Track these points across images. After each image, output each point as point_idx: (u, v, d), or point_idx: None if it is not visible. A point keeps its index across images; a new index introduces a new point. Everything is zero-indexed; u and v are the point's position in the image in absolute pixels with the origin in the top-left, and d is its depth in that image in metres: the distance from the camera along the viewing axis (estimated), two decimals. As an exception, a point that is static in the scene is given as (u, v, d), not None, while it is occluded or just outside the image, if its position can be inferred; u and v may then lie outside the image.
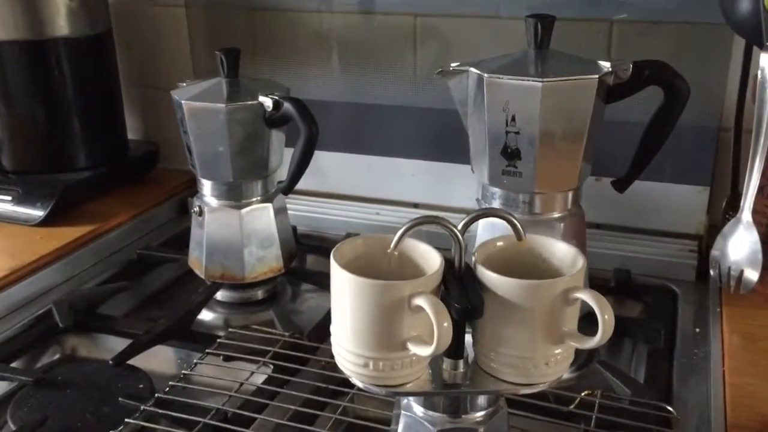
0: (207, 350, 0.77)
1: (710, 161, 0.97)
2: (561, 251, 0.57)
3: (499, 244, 0.59)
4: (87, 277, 0.98)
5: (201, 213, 0.92)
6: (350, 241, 0.57)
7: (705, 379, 0.75)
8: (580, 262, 0.55)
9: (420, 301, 0.51)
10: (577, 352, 0.80)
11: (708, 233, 0.98)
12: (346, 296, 0.53)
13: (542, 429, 0.67)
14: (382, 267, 0.57)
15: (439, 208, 1.08)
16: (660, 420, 0.68)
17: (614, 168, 0.85)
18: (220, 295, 0.96)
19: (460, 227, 0.55)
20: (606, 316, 0.51)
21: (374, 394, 0.55)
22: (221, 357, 0.78)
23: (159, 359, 0.84)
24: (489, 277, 0.53)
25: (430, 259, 0.56)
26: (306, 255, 1.08)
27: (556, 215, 0.81)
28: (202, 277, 0.93)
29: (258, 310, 0.96)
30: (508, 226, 0.57)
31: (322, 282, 1.02)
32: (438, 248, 0.56)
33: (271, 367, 0.76)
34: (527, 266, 0.58)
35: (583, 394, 0.70)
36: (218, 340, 0.79)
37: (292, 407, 0.69)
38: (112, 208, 1.09)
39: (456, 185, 1.07)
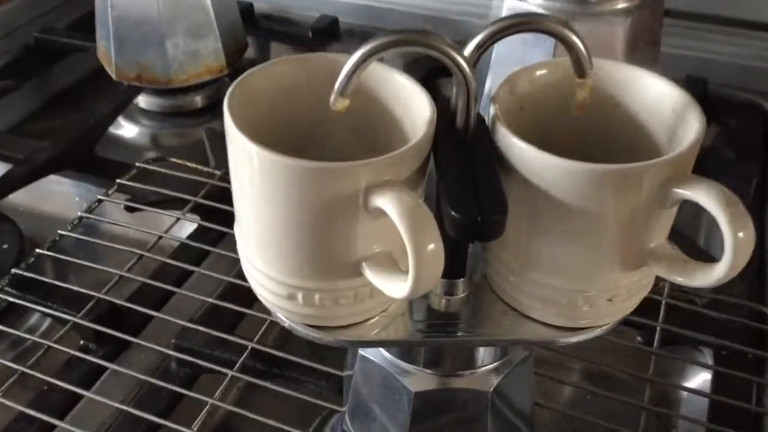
0: (99, 197, 0.54)
1: None
2: (652, 94, 0.32)
3: (539, 73, 0.32)
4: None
5: (103, -15, 0.64)
6: (265, 69, 0.31)
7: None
8: (695, 124, 0.29)
9: (382, 202, 0.27)
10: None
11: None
12: (253, 185, 0.28)
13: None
14: (324, 122, 0.31)
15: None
16: (752, 333, 0.46)
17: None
18: (143, 101, 0.71)
19: (468, 52, 0.29)
20: (741, 234, 0.27)
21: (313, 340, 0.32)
22: (122, 206, 0.55)
23: (51, 196, 0.61)
24: (520, 151, 0.28)
25: (413, 112, 0.30)
26: (268, 43, 0.81)
27: (621, 5, 0.54)
28: (113, 76, 0.68)
29: (197, 122, 0.71)
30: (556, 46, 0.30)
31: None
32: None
33: (192, 226, 0.53)
34: (589, 120, 0.33)
35: (641, 286, 0.47)
36: (117, 181, 0.55)
37: (209, 300, 0.46)
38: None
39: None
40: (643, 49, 0.55)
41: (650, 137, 0.32)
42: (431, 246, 0.26)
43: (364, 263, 0.29)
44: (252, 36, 0.77)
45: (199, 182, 0.55)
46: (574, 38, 0.29)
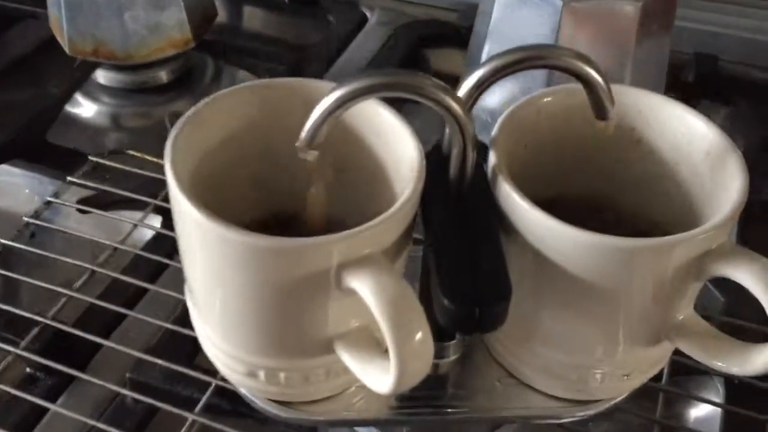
0: (48, 198, 0.48)
1: None
2: (682, 131, 0.27)
3: (546, 102, 0.27)
4: None
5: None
6: (218, 101, 0.26)
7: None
8: (736, 180, 0.24)
9: (357, 285, 0.22)
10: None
11: None
12: (204, 258, 0.23)
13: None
14: (293, 159, 0.26)
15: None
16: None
17: None
18: (103, 76, 0.64)
19: (464, 92, 0.24)
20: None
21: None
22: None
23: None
24: (527, 214, 0.23)
25: (397, 154, 0.25)
26: (240, 9, 0.74)
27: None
28: (66, 50, 0.61)
29: (162, 100, 0.65)
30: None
31: (265, 51, 0.71)
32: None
33: (152, 232, 0.48)
34: (604, 157, 0.28)
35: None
36: (68, 179, 0.49)
37: (165, 325, 0.41)
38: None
39: None
40: (656, 35, 0.49)
41: (678, 182, 0.27)
42: (418, 336, 0.21)
43: (337, 342, 0.25)
44: (222, 0, 0.71)
45: (160, 180, 0.49)
46: (596, 76, 0.23)
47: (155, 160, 0.51)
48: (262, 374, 0.26)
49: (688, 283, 0.24)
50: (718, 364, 0.24)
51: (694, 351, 0.25)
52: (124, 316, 0.42)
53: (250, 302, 0.23)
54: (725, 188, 0.24)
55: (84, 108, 0.64)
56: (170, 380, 0.39)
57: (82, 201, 0.50)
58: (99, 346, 0.41)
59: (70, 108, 0.63)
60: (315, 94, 0.25)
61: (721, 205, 0.24)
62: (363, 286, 0.22)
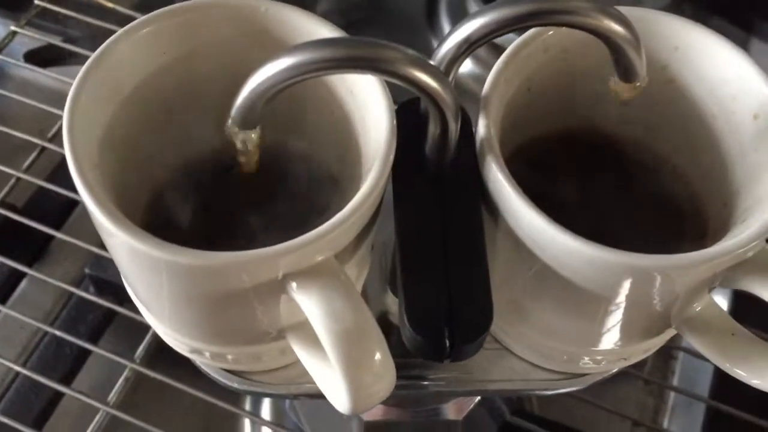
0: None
1: None
2: (728, 79, 0.21)
3: (552, 33, 0.21)
4: None
5: None
6: (132, 35, 0.20)
7: None
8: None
9: (302, 300, 0.18)
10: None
11: None
12: (131, 267, 0.19)
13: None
14: (214, 111, 0.20)
15: None
16: None
17: None
18: None
19: (444, 53, 0.18)
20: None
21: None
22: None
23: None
24: (526, 218, 0.18)
25: (366, 119, 0.20)
26: None
27: None
28: None
29: None
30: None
31: None
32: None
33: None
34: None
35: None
36: (12, 29, 0.43)
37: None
38: None
39: None
40: None
41: (712, 138, 0.22)
42: (377, 356, 0.18)
43: (288, 334, 0.21)
44: None
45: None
46: (630, 38, 0.17)
47: (111, 5, 0.45)
48: (207, 354, 0.22)
49: (709, 285, 0.20)
50: (737, 371, 0.21)
51: (709, 351, 0.21)
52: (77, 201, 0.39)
53: (186, 307, 0.20)
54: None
55: None
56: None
57: (30, 54, 0.44)
58: (52, 236, 0.38)
59: None
60: (250, 16, 0.20)
61: (762, 192, 0.19)
62: (310, 305, 0.18)
